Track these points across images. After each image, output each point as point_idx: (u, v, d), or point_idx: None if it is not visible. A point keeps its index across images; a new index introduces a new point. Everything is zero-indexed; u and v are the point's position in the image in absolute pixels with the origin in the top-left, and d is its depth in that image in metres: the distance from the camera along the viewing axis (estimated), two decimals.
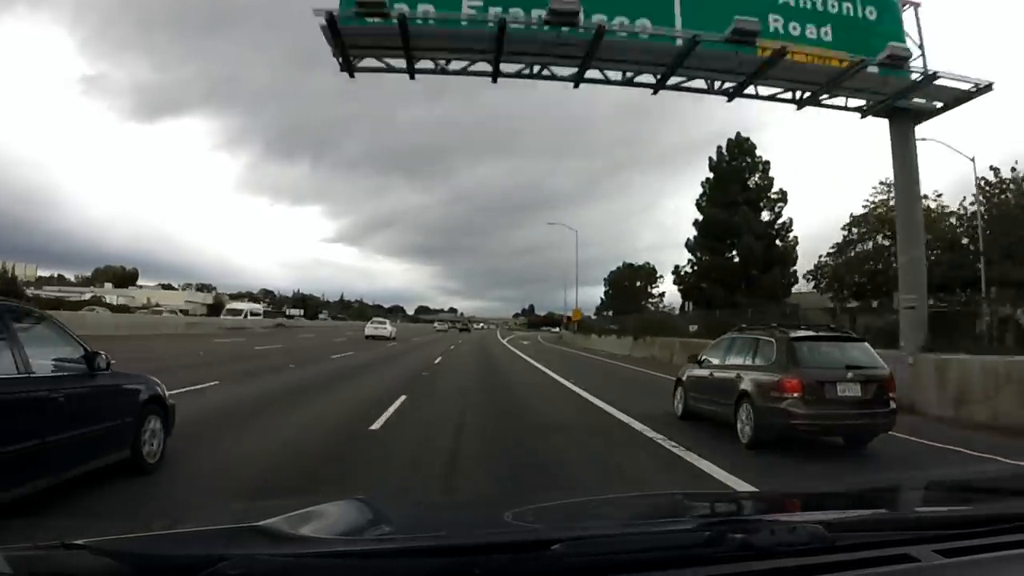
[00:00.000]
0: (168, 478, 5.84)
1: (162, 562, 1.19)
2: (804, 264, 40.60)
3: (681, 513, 1.95)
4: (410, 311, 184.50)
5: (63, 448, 4.78)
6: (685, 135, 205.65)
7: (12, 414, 4.33)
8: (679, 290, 45.66)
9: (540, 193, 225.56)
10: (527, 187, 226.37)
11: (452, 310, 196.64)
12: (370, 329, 44.46)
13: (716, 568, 1.28)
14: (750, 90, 14.44)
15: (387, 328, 45.46)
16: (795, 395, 7.86)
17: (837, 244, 36.59)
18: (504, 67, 13.69)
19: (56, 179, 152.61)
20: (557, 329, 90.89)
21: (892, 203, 24.60)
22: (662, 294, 79.48)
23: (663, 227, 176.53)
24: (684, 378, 10.74)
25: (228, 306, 62.73)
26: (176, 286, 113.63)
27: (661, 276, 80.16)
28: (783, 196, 41.61)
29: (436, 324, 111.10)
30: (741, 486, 5.91)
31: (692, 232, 42.71)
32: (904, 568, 1.32)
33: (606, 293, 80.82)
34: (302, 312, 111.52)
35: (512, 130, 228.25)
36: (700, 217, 42.30)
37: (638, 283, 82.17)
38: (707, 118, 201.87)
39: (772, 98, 14.85)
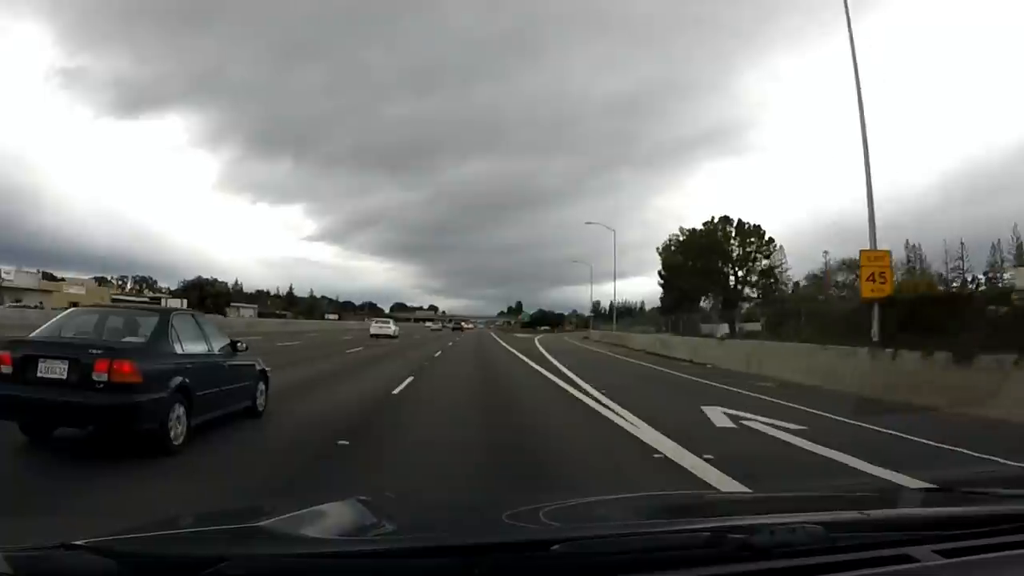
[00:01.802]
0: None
1: (162, 562, 1.19)
2: None
3: (681, 514, 1.95)
4: (388, 309, 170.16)
5: (226, 395, 7.86)
6: (674, 134, 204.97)
7: (208, 373, 7.37)
8: None
9: (526, 191, 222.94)
10: (513, 185, 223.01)
11: (432, 308, 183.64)
12: (375, 328, 48.46)
13: (716, 568, 1.28)
14: None
15: (391, 327, 48.82)
16: None
17: None
18: None
19: (38, 176, 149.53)
20: (591, 333, 67.94)
21: None
22: (770, 270, 49.36)
23: (648, 226, 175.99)
24: None
25: None
26: None
27: (771, 240, 49.26)
28: None
29: (429, 324, 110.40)
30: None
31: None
32: (904, 568, 1.32)
33: (663, 282, 57.71)
34: (183, 303, 76.39)
35: (500, 127, 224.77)
36: None
37: (719, 262, 52.92)
38: (693, 118, 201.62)
39: None
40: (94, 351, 6.16)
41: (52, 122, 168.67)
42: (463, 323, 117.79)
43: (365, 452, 7.25)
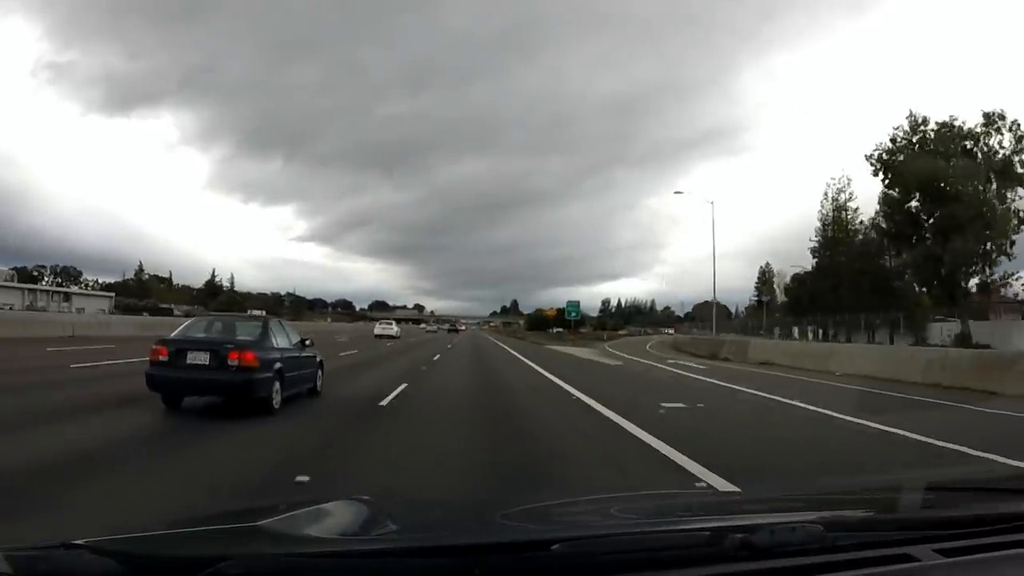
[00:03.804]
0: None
1: (162, 562, 1.20)
2: None
3: (681, 513, 1.95)
4: (365, 307, 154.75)
5: (301, 378, 10.59)
6: (669, 134, 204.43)
7: (291, 361, 10.07)
8: None
9: (521, 191, 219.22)
10: (508, 185, 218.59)
11: (418, 307, 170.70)
12: (379, 329, 51.22)
13: (716, 568, 1.28)
14: None
15: (393, 328, 51.52)
16: None
17: None
18: None
19: (25, 173, 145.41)
20: (725, 342, 30.71)
21: None
22: None
23: (641, 226, 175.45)
24: None
25: None
26: None
27: None
28: None
29: (424, 326, 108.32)
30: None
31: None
32: (904, 568, 1.32)
33: (822, 244, 39.71)
34: None
35: (496, 127, 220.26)
36: None
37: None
38: (690, 119, 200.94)
39: None
40: (228, 345, 9.13)
41: (39, 118, 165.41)
42: (458, 325, 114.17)
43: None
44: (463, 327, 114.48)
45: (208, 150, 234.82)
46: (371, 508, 1.76)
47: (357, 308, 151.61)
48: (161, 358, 9.06)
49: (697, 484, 5.73)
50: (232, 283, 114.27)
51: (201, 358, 8.95)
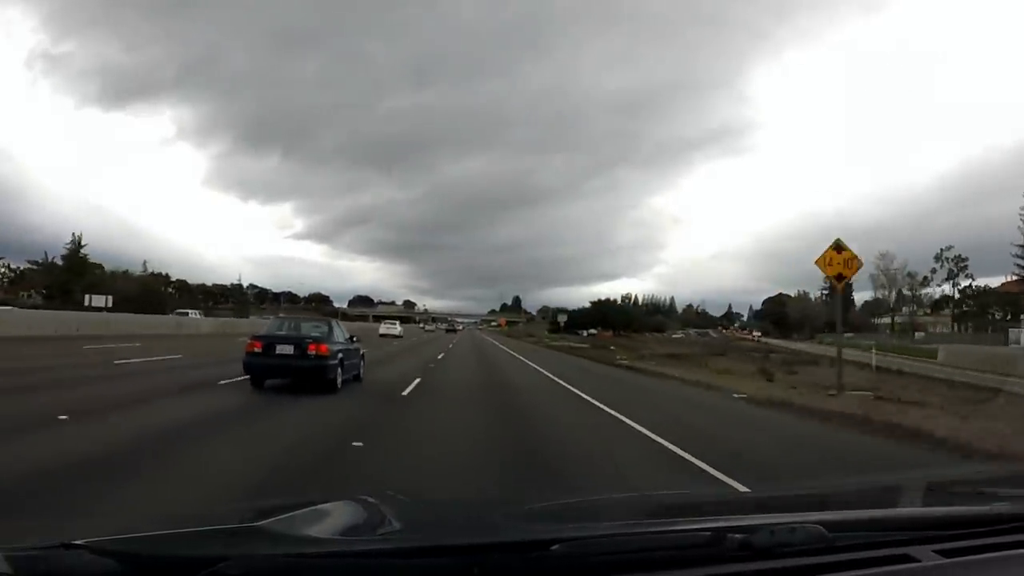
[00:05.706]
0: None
1: (162, 562, 1.19)
2: None
3: (681, 513, 1.95)
4: (345, 304, 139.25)
5: (351, 366, 13.66)
6: (676, 133, 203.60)
7: (346, 352, 13.26)
8: None
9: (523, 189, 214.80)
10: (510, 183, 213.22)
11: (408, 304, 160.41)
12: (383, 329, 53.65)
13: (716, 568, 1.28)
14: None
15: (396, 328, 54.99)
16: None
17: None
18: None
19: (22, 168, 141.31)
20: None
21: None
22: None
23: (644, 225, 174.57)
24: None
25: None
26: None
27: None
28: None
29: (423, 325, 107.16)
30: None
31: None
32: (904, 568, 1.32)
33: None
34: None
35: (499, 123, 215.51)
36: None
37: None
38: (694, 120, 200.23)
39: None
40: (307, 339, 12.24)
41: (34, 110, 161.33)
42: (456, 324, 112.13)
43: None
44: (460, 327, 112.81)
45: (205, 146, 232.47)
46: (371, 508, 1.75)
47: (336, 305, 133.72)
48: (256, 349, 12.15)
49: None
50: (83, 254, 69.63)
51: (287, 349, 12.04)
